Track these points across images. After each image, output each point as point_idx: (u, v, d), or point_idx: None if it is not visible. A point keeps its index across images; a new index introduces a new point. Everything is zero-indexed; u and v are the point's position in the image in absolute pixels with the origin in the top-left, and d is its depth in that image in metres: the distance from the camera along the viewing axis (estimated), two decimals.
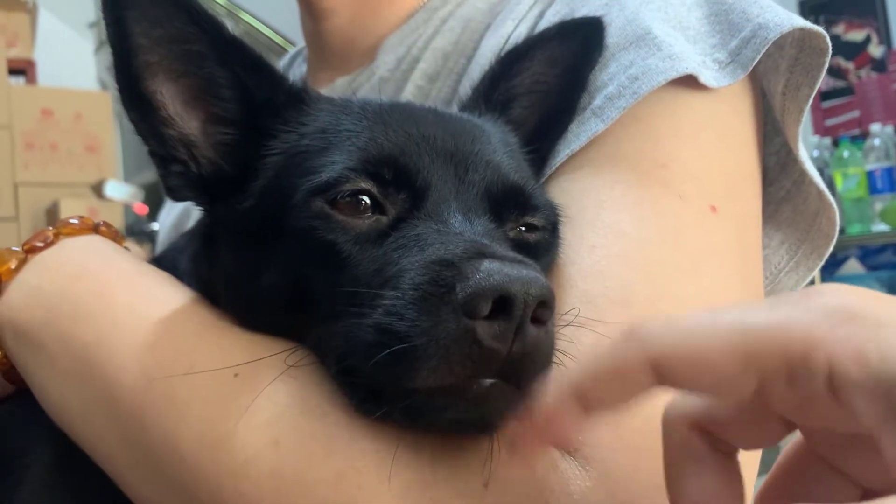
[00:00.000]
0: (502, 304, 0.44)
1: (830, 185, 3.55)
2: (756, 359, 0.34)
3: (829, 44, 0.67)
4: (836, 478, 0.38)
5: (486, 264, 0.45)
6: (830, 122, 4.05)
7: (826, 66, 0.67)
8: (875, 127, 3.65)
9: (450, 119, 0.63)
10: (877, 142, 3.57)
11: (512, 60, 0.72)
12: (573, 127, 0.68)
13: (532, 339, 0.45)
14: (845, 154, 3.61)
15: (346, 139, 0.57)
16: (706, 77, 0.65)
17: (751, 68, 0.66)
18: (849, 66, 4.03)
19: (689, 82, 0.65)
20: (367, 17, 0.94)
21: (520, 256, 0.49)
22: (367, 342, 0.47)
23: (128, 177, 4.21)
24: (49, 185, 3.80)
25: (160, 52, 0.61)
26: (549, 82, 0.72)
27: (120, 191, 3.88)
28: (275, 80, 0.63)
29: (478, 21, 0.86)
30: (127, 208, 4.00)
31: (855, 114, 3.96)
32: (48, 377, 0.60)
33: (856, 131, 3.90)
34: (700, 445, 0.40)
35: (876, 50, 3.99)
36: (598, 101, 0.66)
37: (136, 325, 0.57)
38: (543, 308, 0.45)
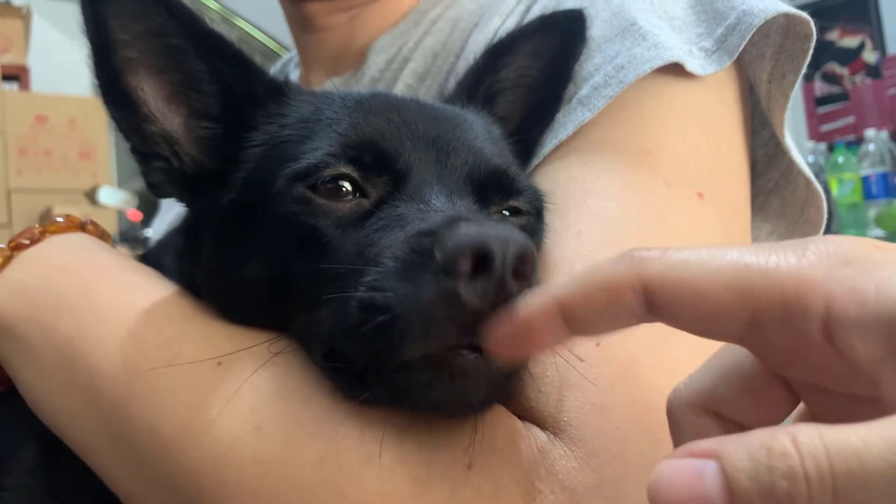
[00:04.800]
0: (482, 261, 0.43)
1: (825, 190, 3.54)
2: (750, 294, 0.34)
3: (814, 29, 0.67)
4: None
5: (464, 226, 0.44)
6: (825, 127, 4.06)
7: (811, 51, 0.67)
8: (870, 132, 3.65)
9: (431, 108, 0.63)
10: (871, 147, 3.57)
11: (496, 55, 0.72)
12: (560, 116, 0.68)
13: (516, 296, 0.43)
14: (840, 159, 3.61)
15: (327, 127, 0.57)
16: (692, 65, 0.65)
17: (736, 55, 0.66)
18: (843, 71, 4.04)
19: (675, 71, 0.65)
20: (359, 26, 0.94)
21: (500, 222, 0.48)
22: (352, 322, 0.47)
23: (122, 183, 4.19)
24: (42, 191, 3.78)
25: (140, 47, 0.60)
26: (534, 75, 0.72)
27: (114, 197, 3.86)
28: (255, 73, 0.63)
29: (466, 20, 0.87)
30: (121, 215, 3.98)
31: (850, 119, 3.97)
32: (32, 372, 0.59)
33: (851, 137, 3.90)
34: (712, 428, 0.40)
35: (870, 56, 4.00)
36: (584, 91, 0.67)
37: (120, 318, 0.57)
38: (524, 263, 0.44)
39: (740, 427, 0.40)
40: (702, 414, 0.40)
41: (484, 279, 0.43)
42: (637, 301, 0.36)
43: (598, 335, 0.39)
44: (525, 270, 0.44)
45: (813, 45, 0.67)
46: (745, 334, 0.35)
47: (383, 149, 0.55)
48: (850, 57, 4.04)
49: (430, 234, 0.46)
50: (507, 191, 0.59)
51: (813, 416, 0.40)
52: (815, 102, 4.07)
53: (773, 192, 0.75)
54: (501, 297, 0.43)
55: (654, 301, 0.36)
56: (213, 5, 4.23)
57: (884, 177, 3.53)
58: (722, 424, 0.40)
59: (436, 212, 0.50)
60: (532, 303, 0.40)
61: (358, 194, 0.54)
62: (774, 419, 0.40)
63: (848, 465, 0.27)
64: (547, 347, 0.42)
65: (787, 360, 0.35)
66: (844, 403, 0.37)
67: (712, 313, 0.35)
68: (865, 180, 3.55)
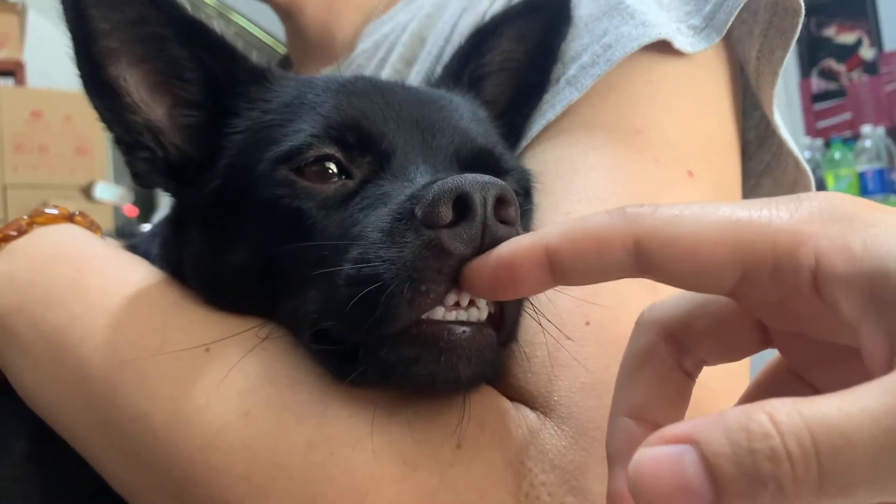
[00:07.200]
0: (462, 206, 0.42)
1: (822, 186, 3.55)
2: (744, 248, 0.34)
3: (802, 3, 0.66)
4: (810, 394, 0.39)
5: (439, 181, 0.44)
6: (822, 123, 4.06)
7: (800, 25, 0.67)
8: (866, 128, 3.65)
9: (415, 90, 0.63)
10: (868, 143, 3.57)
11: (480, 39, 0.71)
12: (548, 97, 0.68)
13: (504, 236, 0.42)
14: (837, 155, 3.62)
15: (310, 110, 0.57)
16: (681, 42, 0.65)
17: (725, 32, 0.65)
18: (840, 68, 4.04)
19: (663, 49, 0.65)
20: (340, 5, 0.94)
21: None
22: (340, 299, 0.46)
23: (118, 179, 4.18)
24: (38, 187, 3.77)
25: (121, 36, 0.60)
26: (519, 59, 0.72)
27: (110, 193, 3.85)
28: (237, 59, 0.63)
29: (455, 4, 0.86)
30: (117, 210, 3.98)
31: (846, 116, 3.97)
32: (23, 364, 0.59)
33: (847, 133, 3.90)
34: (665, 355, 0.40)
35: (867, 52, 4.00)
36: (572, 71, 0.66)
37: (108, 307, 0.57)
38: (504, 205, 0.43)
39: (695, 361, 0.41)
40: (664, 336, 0.40)
41: (467, 225, 0.42)
42: (626, 257, 0.36)
43: (580, 285, 0.39)
44: (509, 214, 0.44)
45: (801, 19, 0.66)
46: (734, 287, 0.35)
47: (367, 129, 0.55)
48: (846, 53, 4.03)
49: (411, 198, 0.45)
50: (494, 170, 0.57)
51: (785, 363, 0.40)
52: (811, 99, 4.07)
53: (765, 174, 0.75)
54: (488, 241, 0.42)
55: (645, 257, 0.36)
56: (210, 0, 4.22)
57: (880, 173, 3.53)
58: (676, 353, 0.40)
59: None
60: (519, 244, 0.40)
61: (343, 176, 0.54)
62: (735, 358, 0.41)
63: (831, 441, 0.26)
64: (527, 293, 0.43)
65: (774, 310, 0.35)
66: (822, 350, 0.37)
67: (703, 268, 0.35)
68: (862, 176, 3.55)
